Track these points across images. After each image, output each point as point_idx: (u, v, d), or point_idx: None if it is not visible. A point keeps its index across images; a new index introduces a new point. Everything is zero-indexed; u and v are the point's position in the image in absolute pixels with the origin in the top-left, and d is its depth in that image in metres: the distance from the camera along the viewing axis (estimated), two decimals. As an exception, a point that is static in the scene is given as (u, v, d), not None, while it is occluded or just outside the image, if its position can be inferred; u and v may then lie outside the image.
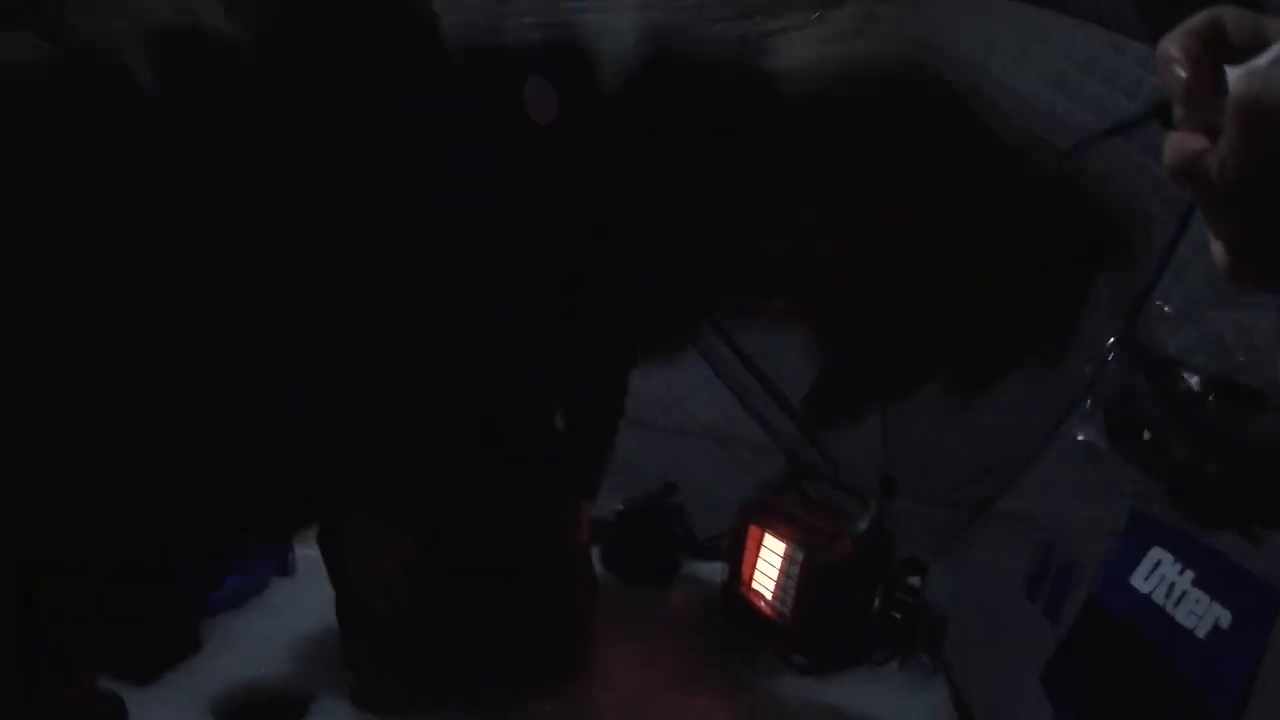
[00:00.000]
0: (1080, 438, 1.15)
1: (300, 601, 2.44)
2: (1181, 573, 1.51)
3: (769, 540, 2.50)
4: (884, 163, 0.27)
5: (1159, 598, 1.53)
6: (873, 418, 0.31)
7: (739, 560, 2.57)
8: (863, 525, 2.38)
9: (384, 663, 2.03)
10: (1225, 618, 1.40)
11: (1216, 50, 0.38)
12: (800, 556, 2.39)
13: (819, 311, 0.30)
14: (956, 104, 0.29)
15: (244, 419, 0.22)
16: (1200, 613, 1.44)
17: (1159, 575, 1.55)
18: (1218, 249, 0.40)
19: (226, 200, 0.21)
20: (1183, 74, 0.39)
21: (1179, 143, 0.39)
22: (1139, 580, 1.59)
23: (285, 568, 2.59)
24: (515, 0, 0.25)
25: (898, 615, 2.36)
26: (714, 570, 2.70)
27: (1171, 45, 0.39)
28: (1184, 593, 1.49)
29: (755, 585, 2.52)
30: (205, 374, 0.22)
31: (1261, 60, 0.37)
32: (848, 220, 0.27)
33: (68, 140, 0.20)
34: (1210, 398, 0.31)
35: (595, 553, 2.46)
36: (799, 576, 2.38)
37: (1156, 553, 1.57)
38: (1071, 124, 1.75)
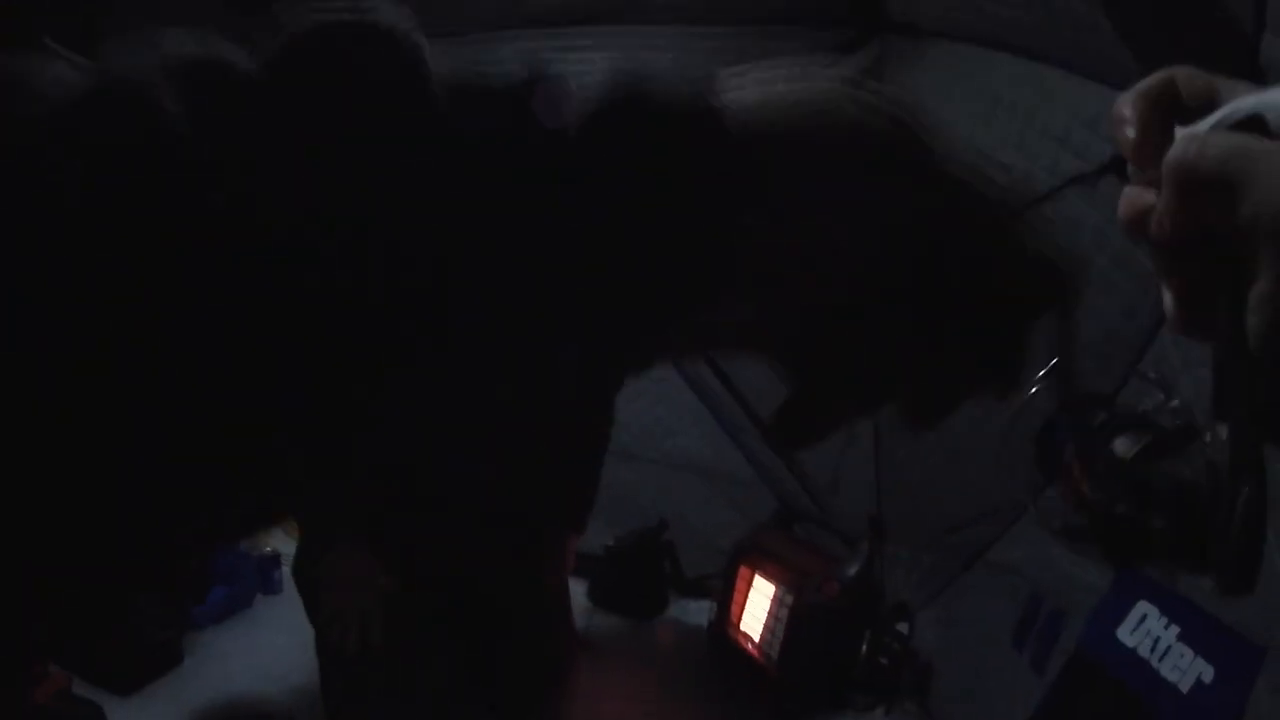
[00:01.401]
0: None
1: (284, 619, 2.43)
2: (1167, 627, 1.51)
3: (759, 581, 2.49)
4: (832, 196, 0.29)
5: (1144, 651, 1.53)
6: (843, 448, 0.33)
7: (728, 600, 2.57)
8: (852, 570, 2.37)
9: (358, 699, 2.00)
10: (1208, 673, 1.40)
11: (1168, 109, 0.40)
12: (789, 599, 2.38)
13: (774, 335, 0.32)
14: (908, 142, 0.30)
15: (238, 417, 0.23)
16: (1184, 667, 1.44)
17: (1145, 629, 1.55)
18: (1166, 299, 0.41)
19: (240, 223, 0.22)
20: (1131, 134, 0.40)
21: (1130, 197, 0.40)
22: (1125, 633, 1.59)
23: (271, 585, 2.58)
24: (496, 52, 0.29)
25: (884, 661, 2.34)
26: (701, 609, 2.69)
27: (1124, 105, 0.41)
28: (1169, 647, 1.49)
29: (744, 626, 2.51)
30: (205, 376, 0.22)
31: (1203, 125, 0.38)
32: (797, 247, 0.29)
33: (99, 163, 0.22)
34: (1116, 438, 0.32)
35: (582, 586, 2.45)
36: (787, 619, 2.37)
37: (1143, 606, 1.57)
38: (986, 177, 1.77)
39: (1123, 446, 0.38)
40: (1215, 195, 0.36)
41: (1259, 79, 0.39)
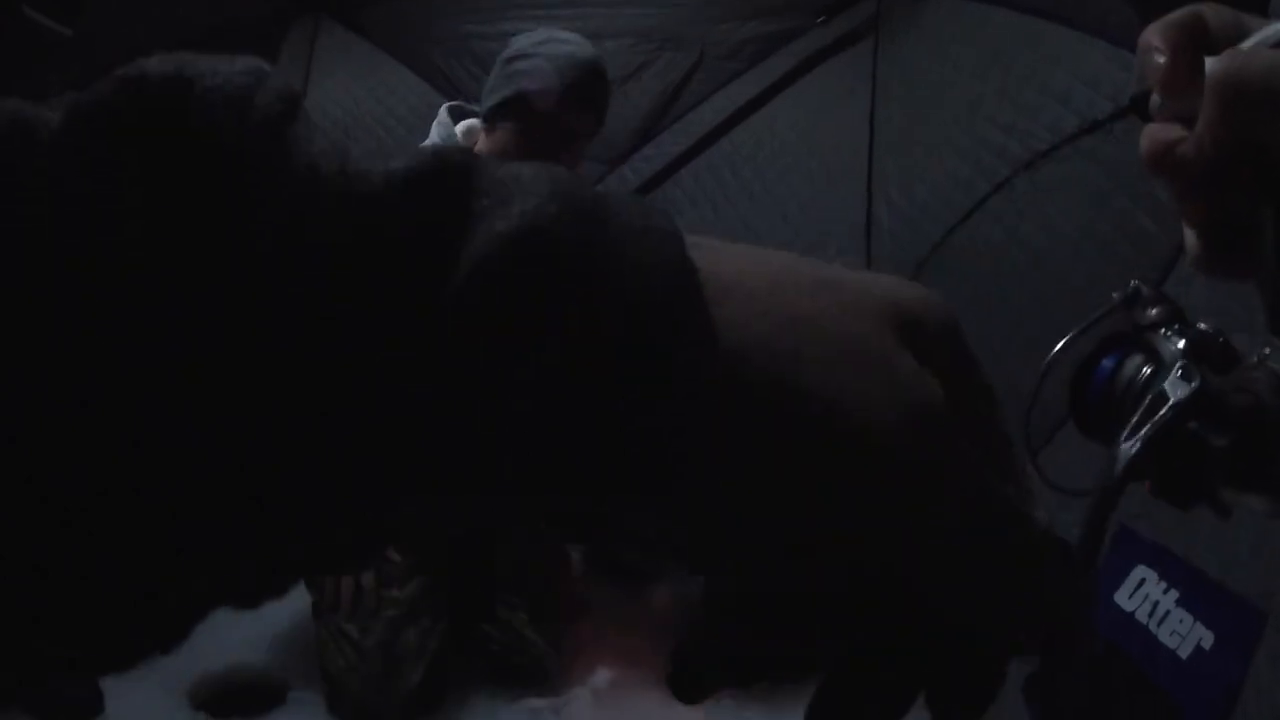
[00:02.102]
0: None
1: (280, 591, 2.43)
2: (1165, 592, 1.51)
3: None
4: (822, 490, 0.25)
5: (1142, 616, 1.53)
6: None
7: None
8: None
9: (357, 669, 2.01)
10: (1208, 638, 1.40)
11: (1197, 42, 0.39)
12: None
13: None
14: (956, 443, 0.26)
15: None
16: (1183, 632, 1.44)
17: (1143, 594, 1.55)
18: (1190, 238, 0.40)
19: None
20: (1162, 60, 0.39)
21: (1155, 133, 0.40)
22: (1123, 598, 1.59)
23: (266, 555, 2.58)
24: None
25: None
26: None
27: (1152, 34, 0.40)
28: (1167, 612, 1.49)
29: (738, 588, 2.52)
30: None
31: (1244, 45, 0.38)
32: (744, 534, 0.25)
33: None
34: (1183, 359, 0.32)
35: (579, 550, 2.45)
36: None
37: (1141, 571, 1.57)
38: (1081, 142, 1.75)
39: (1176, 387, 0.37)
40: (1260, 107, 0.36)
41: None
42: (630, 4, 2.97)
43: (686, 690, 0.28)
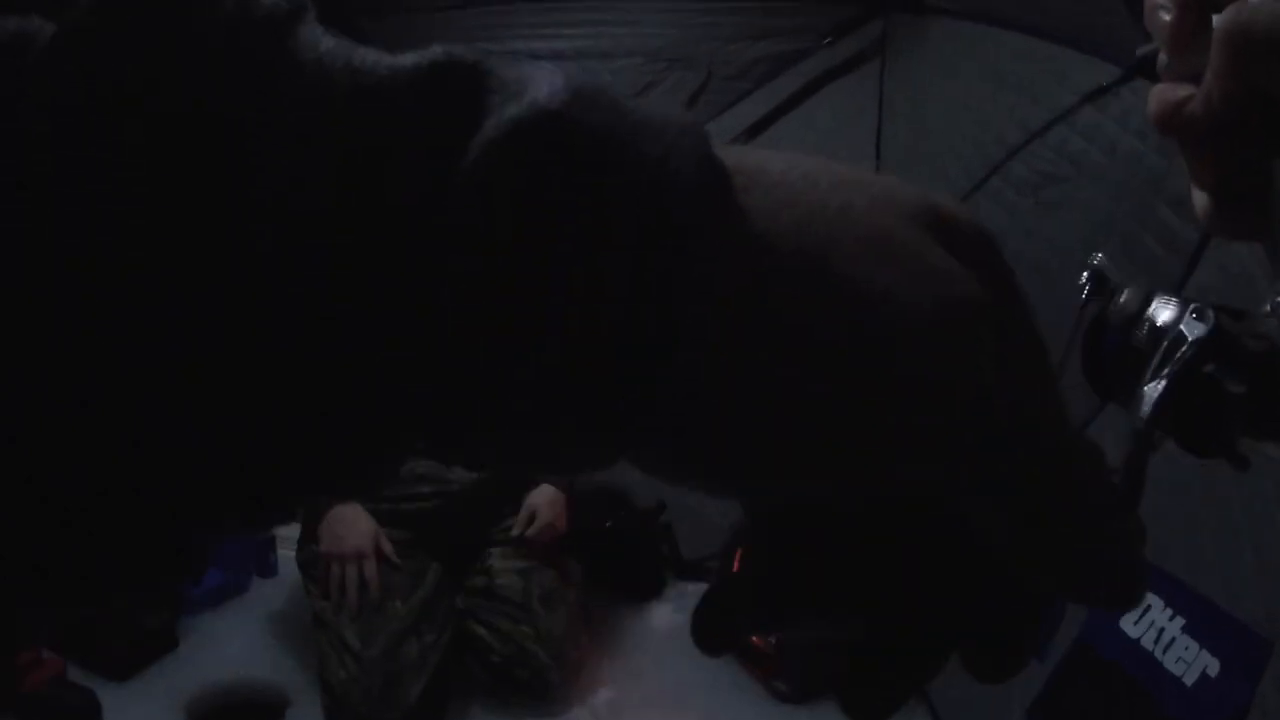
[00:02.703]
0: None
1: (281, 602, 2.43)
2: (1171, 619, 1.50)
3: (756, 564, 2.48)
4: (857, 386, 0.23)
5: (1148, 643, 1.52)
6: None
7: (725, 582, 2.56)
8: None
9: (358, 682, 2.00)
10: (1214, 666, 1.39)
11: (1204, 1, 0.39)
12: (787, 581, 2.37)
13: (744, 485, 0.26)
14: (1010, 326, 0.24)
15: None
16: (1189, 660, 1.43)
17: (1149, 620, 1.54)
18: (1200, 198, 0.40)
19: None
20: (1168, 17, 0.39)
21: (1162, 92, 0.39)
22: (1128, 624, 1.58)
23: (267, 568, 2.57)
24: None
25: (882, 645, 2.34)
26: (699, 590, 2.68)
27: None
28: (1173, 639, 1.48)
29: (740, 608, 2.51)
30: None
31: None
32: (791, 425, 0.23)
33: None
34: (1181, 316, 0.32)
35: (580, 568, 2.44)
36: (785, 601, 2.37)
37: (1147, 597, 1.56)
38: (1086, 162, 1.75)
39: (1192, 326, 0.36)
40: (1268, 57, 0.35)
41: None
42: (639, 23, 2.97)
43: (710, 635, 0.27)
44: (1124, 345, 0.37)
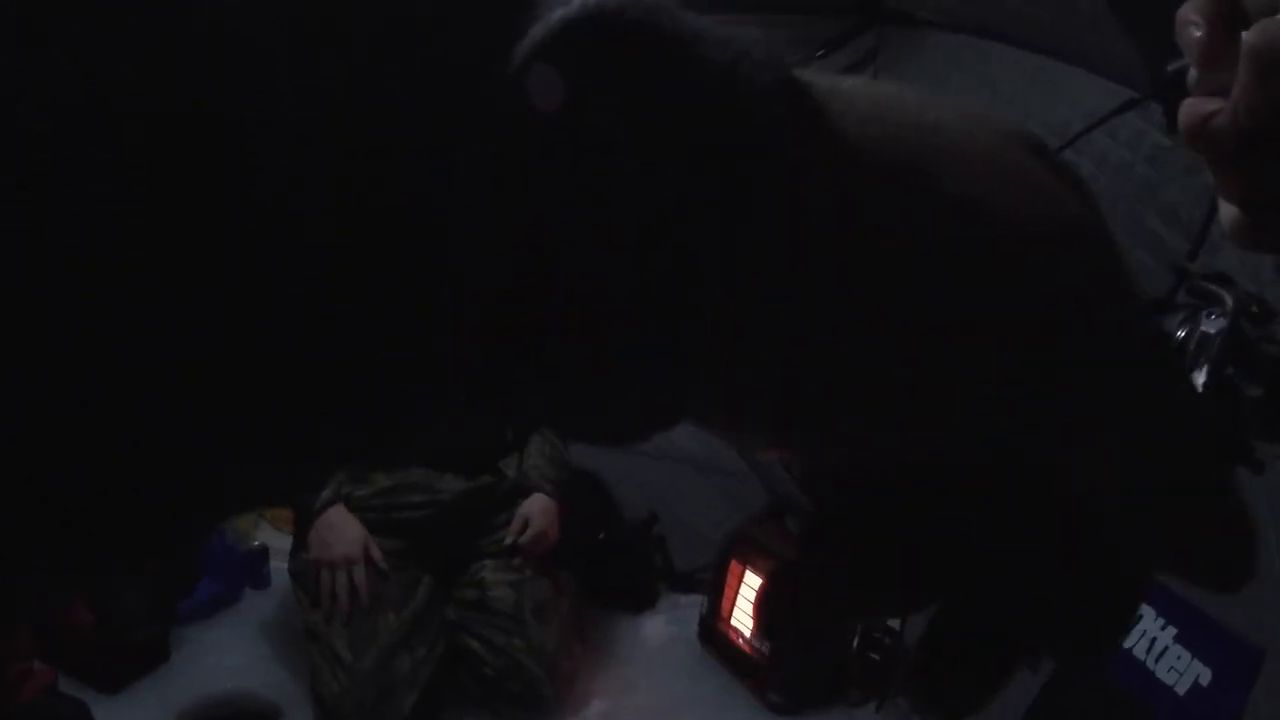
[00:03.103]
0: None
1: (273, 614, 2.42)
2: (1163, 628, 1.50)
3: (749, 576, 2.48)
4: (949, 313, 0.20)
5: (1140, 653, 1.53)
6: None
7: (719, 594, 2.56)
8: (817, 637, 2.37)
9: (350, 694, 2.00)
10: (1206, 675, 1.40)
11: (1233, 17, 0.40)
12: (780, 593, 2.37)
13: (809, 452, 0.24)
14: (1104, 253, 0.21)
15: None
16: (1181, 669, 1.44)
17: (1140, 630, 1.55)
18: (1228, 211, 0.41)
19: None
20: (1198, 33, 0.40)
21: (1192, 106, 0.40)
22: (1120, 634, 1.58)
23: (259, 579, 2.57)
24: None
25: (875, 656, 2.34)
26: (693, 602, 2.69)
27: (1189, 9, 0.41)
28: (1165, 648, 1.48)
29: (734, 621, 2.51)
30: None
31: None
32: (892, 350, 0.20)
33: None
34: (1203, 318, 0.33)
35: (572, 580, 2.44)
36: (778, 613, 2.37)
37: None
38: (1091, 148, 1.75)
39: (1212, 324, 0.37)
40: None
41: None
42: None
43: (778, 618, 0.25)
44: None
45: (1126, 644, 1.56)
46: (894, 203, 0.20)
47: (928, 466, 0.23)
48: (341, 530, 2.07)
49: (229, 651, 2.27)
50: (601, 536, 2.75)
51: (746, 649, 2.45)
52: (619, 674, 2.43)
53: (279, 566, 2.38)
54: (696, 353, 0.20)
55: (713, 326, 0.19)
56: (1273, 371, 0.35)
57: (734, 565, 2.53)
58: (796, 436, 0.22)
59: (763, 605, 0.25)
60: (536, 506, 2.27)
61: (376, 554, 2.09)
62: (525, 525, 2.24)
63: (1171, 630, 1.49)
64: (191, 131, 0.21)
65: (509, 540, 2.23)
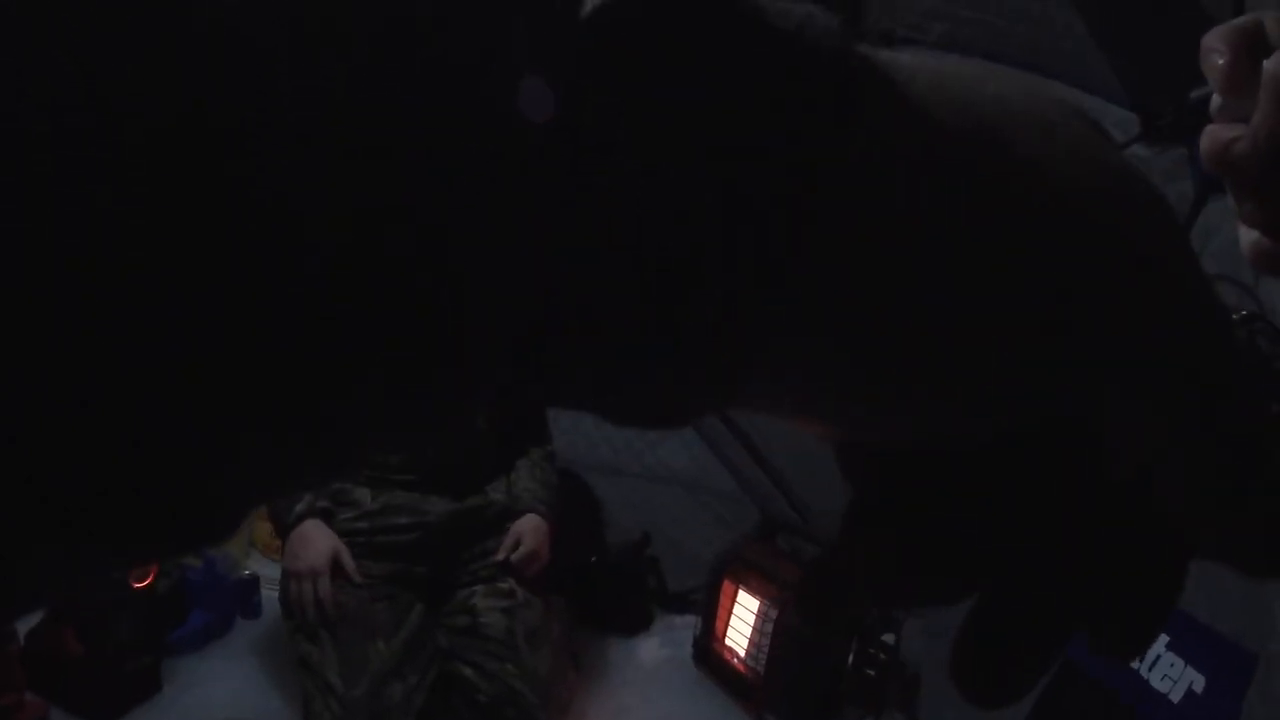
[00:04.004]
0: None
1: (264, 643, 2.40)
2: (1156, 636, 1.51)
3: (743, 596, 2.48)
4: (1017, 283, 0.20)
5: (1133, 661, 1.53)
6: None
7: (713, 615, 2.55)
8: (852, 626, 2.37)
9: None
10: (1199, 682, 1.40)
11: (1256, 47, 0.41)
12: (774, 613, 2.37)
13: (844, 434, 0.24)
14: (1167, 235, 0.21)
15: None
16: (1175, 676, 1.44)
17: (1134, 638, 1.55)
18: (1248, 236, 0.42)
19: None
20: (1221, 61, 0.41)
21: (1215, 132, 0.41)
22: (1114, 642, 1.58)
23: (251, 609, 2.55)
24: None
25: (871, 673, 2.33)
26: (687, 623, 2.68)
27: (1214, 38, 0.42)
28: (1158, 656, 1.49)
29: (729, 641, 2.50)
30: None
31: None
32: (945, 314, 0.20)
33: None
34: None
35: (566, 602, 2.43)
36: (772, 633, 2.36)
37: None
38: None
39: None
40: None
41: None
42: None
43: (817, 609, 0.25)
44: None
45: (1120, 653, 1.56)
46: (969, 166, 0.20)
47: (975, 448, 0.23)
48: (312, 542, 2.06)
49: (221, 681, 2.26)
50: (594, 559, 2.74)
51: (741, 669, 2.45)
52: (614, 697, 2.42)
53: (270, 595, 2.36)
54: (742, 336, 0.19)
55: (789, 299, 0.19)
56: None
57: (727, 585, 2.53)
58: (868, 411, 0.22)
59: (802, 592, 0.24)
60: (528, 526, 2.26)
61: (349, 566, 2.08)
62: (517, 544, 2.23)
63: (1164, 637, 1.49)
64: (191, 131, 0.21)
65: (500, 557, 2.22)
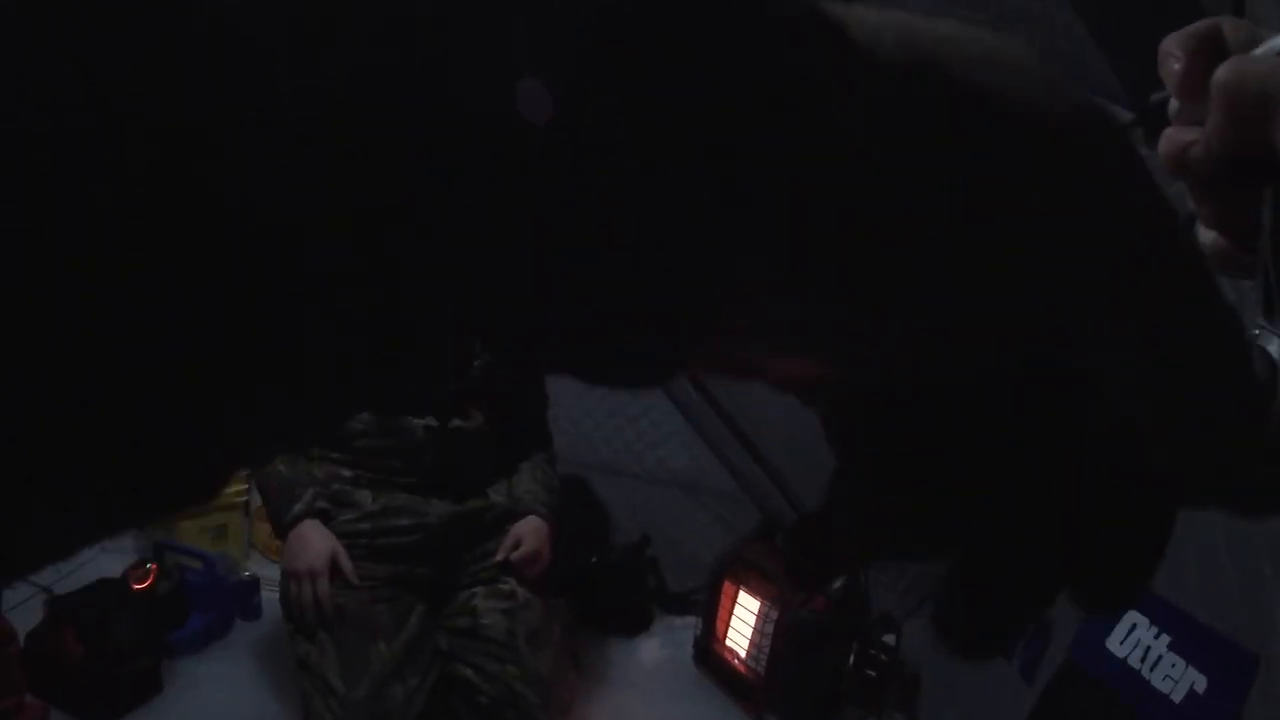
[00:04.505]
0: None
1: (264, 645, 2.40)
2: (1157, 636, 1.50)
3: (743, 597, 2.48)
4: (979, 212, 0.21)
5: (1135, 661, 1.53)
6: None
7: (713, 616, 2.55)
8: (837, 583, 2.36)
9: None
10: (1201, 682, 1.40)
11: (1212, 51, 0.41)
12: (775, 614, 2.37)
13: (830, 372, 0.24)
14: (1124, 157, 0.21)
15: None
16: (1176, 677, 1.44)
17: (1135, 639, 1.55)
18: (1207, 236, 0.43)
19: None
20: (1178, 66, 0.42)
21: (1172, 135, 0.42)
22: (1115, 644, 1.58)
23: (250, 610, 2.55)
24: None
25: (872, 673, 2.34)
26: (687, 624, 2.68)
27: (1172, 43, 0.42)
28: (1160, 657, 1.49)
29: (729, 642, 2.50)
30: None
31: (1255, 51, 0.41)
32: (910, 232, 0.21)
33: None
34: None
35: (564, 606, 2.42)
36: (773, 634, 2.36)
37: (1132, 616, 1.57)
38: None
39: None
40: (1258, 108, 0.38)
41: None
42: None
43: (806, 563, 0.25)
44: None
45: (1121, 653, 1.56)
46: (916, 101, 0.20)
47: (958, 401, 0.23)
48: (310, 543, 2.06)
49: (221, 683, 2.25)
50: (594, 560, 2.74)
51: (742, 669, 2.45)
52: (615, 698, 2.42)
53: (270, 597, 2.36)
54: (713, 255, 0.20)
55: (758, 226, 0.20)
56: None
57: (727, 586, 2.53)
58: (847, 345, 0.22)
59: (792, 551, 0.25)
60: (529, 527, 2.26)
61: (347, 567, 2.08)
62: (517, 544, 2.23)
63: (1166, 638, 1.49)
64: (191, 132, 0.21)
65: (500, 556, 2.22)
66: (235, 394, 0.22)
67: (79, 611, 2.10)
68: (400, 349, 0.23)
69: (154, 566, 2.35)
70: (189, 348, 0.21)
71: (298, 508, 2.08)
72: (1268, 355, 0.35)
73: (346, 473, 2.18)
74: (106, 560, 2.40)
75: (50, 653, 2.04)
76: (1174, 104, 0.43)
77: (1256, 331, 0.37)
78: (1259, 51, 0.40)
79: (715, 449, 2.83)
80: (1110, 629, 1.60)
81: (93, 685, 2.05)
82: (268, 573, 2.54)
